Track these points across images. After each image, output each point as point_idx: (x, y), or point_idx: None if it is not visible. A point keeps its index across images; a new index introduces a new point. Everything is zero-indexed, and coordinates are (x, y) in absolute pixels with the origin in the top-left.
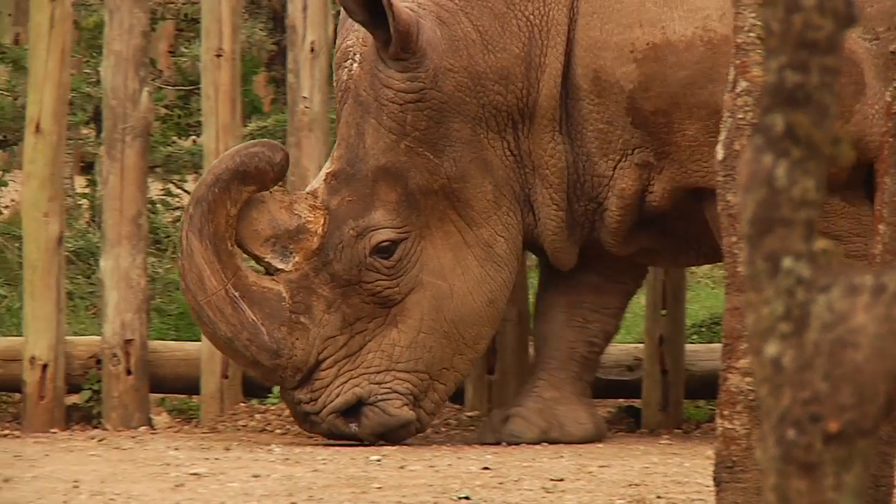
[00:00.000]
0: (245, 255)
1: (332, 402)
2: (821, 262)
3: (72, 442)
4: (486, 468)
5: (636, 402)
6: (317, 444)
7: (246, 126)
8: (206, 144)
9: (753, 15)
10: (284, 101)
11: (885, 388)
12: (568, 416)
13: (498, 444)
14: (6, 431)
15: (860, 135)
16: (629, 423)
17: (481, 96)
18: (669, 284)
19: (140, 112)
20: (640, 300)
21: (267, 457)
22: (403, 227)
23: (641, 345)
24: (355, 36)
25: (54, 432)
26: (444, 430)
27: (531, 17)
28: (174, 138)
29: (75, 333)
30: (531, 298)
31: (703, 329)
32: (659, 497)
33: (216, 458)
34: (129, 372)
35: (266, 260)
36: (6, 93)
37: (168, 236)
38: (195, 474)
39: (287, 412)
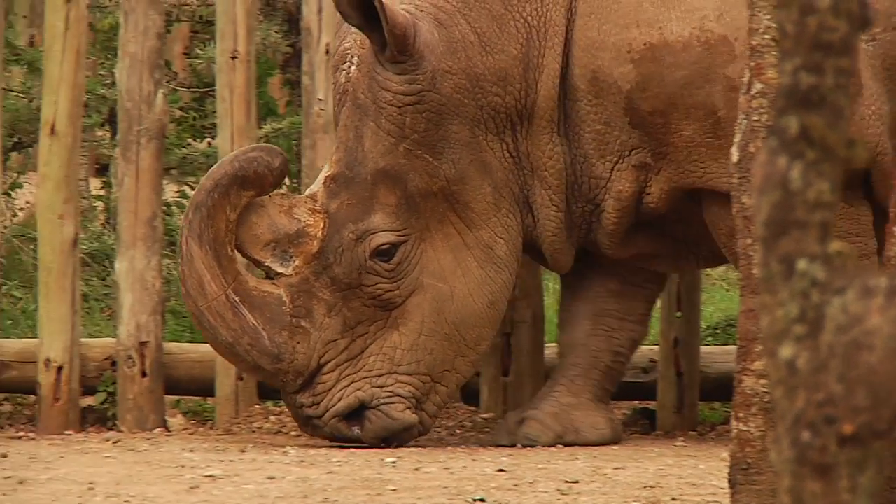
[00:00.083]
0: (245, 260)
1: (334, 405)
2: (835, 264)
3: (87, 444)
4: (501, 470)
5: (651, 405)
6: (332, 447)
7: (261, 128)
8: (222, 146)
9: (768, 17)
10: (299, 103)
11: None
12: (584, 422)
13: (513, 446)
14: (21, 433)
15: (857, 136)
16: (644, 425)
17: (480, 98)
18: (684, 287)
19: (155, 114)
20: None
21: (282, 459)
22: (403, 230)
23: (656, 347)
24: (353, 38)
25: (69, 434)
26: (458, 431)
27: (529, 18)
28: (189, 140)
29: (90, 335)
30: (546, 301)
31: (718, 331)
32: (674, 499)
33: (231, 460)
34: (144, 374)
35: (266, 264)
36: (21, 95)
37: None
38: (210, 476)
39: None
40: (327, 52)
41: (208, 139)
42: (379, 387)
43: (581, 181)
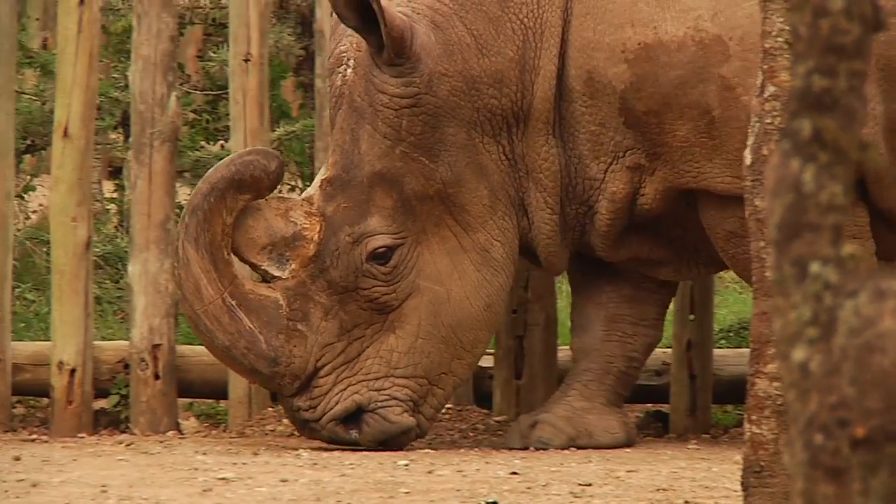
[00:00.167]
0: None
1: (331, 409)
2: (848, 267)
3: (100, 447)
4: (514, 473)
5: (664, 407)
6: (344, 450)
7: (274, 131)
8: (235, 149)
9: (781, 20)
10: (312, 105)
11: None
12: (598, 425)
13: (525, 449)
14: (34, 436)
15: None
16: (657, 428)
17: (476, 100)
18: (697, 289)
19: (168, 117)
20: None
21: (295, 461)
22: (399, 233)
23: (669, 349)
24: (349, 41)
25: (82, 437)
26: (471, 434)
27: (525, 19)
28: (202, 143)
29: (103, 338)
30: (559, 303)
31: (731, 334)
32: (687, 502)
33: (244, 463)
34: (157, 376)
35: (263, 268)
36: (34, 97)
37: None
38: (223, 479)
39: None
40: None
41: (221, 142)
42: (376, 390)
43: (575, 183)
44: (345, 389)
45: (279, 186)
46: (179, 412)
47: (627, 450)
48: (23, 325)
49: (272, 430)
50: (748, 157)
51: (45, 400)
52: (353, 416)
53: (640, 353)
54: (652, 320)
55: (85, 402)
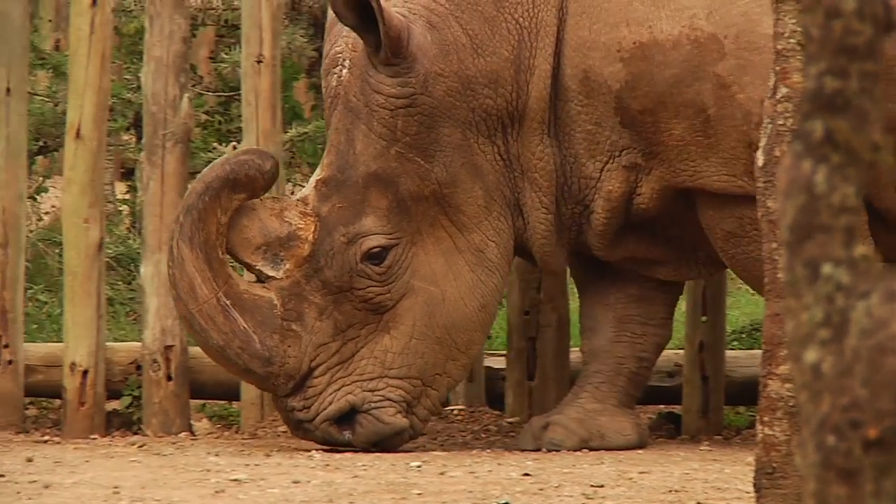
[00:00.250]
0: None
1: (325, 409)
2: (860, 268)
3: (112, 448)
4: (526, 474)
5: (676, 409)
6: (357, 451)
7: (286, 132)
8: None
9: (793, 21)
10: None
11: None
12: (610, 427)
13: (538, 450)
14: (46, 437)
15: None
16: (669, 430)
17: (471, 101)
18: (710, 291)
19: (180, 118)
20: (680, 306)
21: (307, 463)
22: (394, 234)
23: (682, 351)
24: (344, 42)
25: (94, 438)
26: (484, 436)
27: (520, 19)
28: (215, 144)
29: (115, 339)
30: (571, 304)
31: (744, 335)
32: (699, 503)
33: (256, 464)
34: (169, 378)
35: (257, 268)
36: (47, 99)
37: None
38: (235, 480)
39: None
40: None
41: (233, 143)
42: (370, 391)
43: (571, 182)
44: (339, 390)
45: (291, 188)
46: (192, 413)
47: (640, 451)
48: (35, 326)
49: (284, 432)
50: (760, 159)
51: (58, 401)
52: (347, 417)
53: (650, 353)
54: (660, 319)
55: (97, 403)
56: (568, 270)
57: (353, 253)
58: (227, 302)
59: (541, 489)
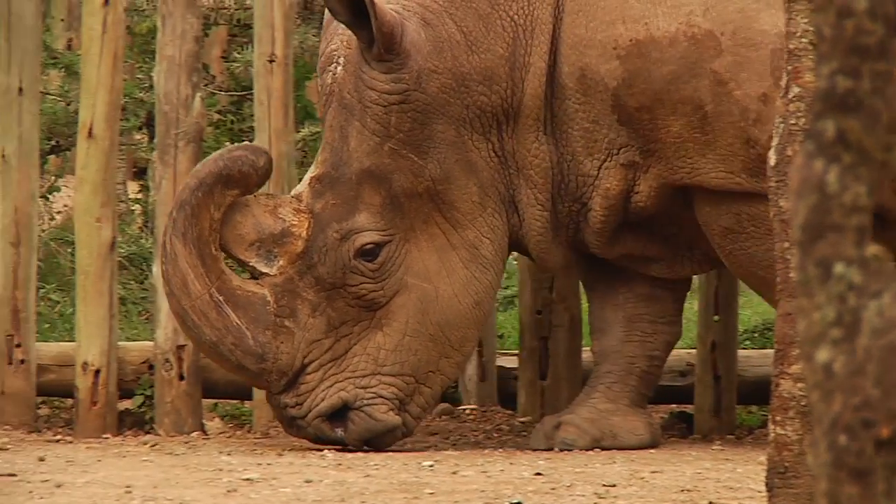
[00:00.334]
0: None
1: (317, 406)
2: (872, 267)
3: (124, 447)
4: (538, 474)
5: (688, 408)
6: (369, 450)
7: (298, 132)
8: None
9: (805, 20)
10: None
11: None
12: (623, 426)
13: (550, 450)
14: (59, 437)
15: None
16: (681, 429)
17: (465, 97)
18: (722, 290)
19: (192, 117)
20: (692, 306)
21: (319, 462)
22: (388, 230)
23: (694, 350)
24: (339, 40)
25: (107, 438)
26: (496, 435)
27: (515, 16)
28: (227, 144)
29: (128, 339)
30: (583, 304)
31: (756, 335)
32: (711, 503)
33: (269, 464)
34: (181, 377)
35: (250, 264)
36: (59, 98)
37: None
38: (248, 480)
39: None
40: None
41: (246, 143)
42: (362, 388)
43: (568, 180)
44: (331, 386)
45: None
46: (204, 413)
47: (652, 451)
48: (47, 325)
49: None
50: (772, 158)
51: (70, 401)
52: (340, 414)
53: (660, 352)
54: (670, 317)
55: (109, 402)
56: None
57: (347, 249)
58: (220, 298)
59: (553, 488)
